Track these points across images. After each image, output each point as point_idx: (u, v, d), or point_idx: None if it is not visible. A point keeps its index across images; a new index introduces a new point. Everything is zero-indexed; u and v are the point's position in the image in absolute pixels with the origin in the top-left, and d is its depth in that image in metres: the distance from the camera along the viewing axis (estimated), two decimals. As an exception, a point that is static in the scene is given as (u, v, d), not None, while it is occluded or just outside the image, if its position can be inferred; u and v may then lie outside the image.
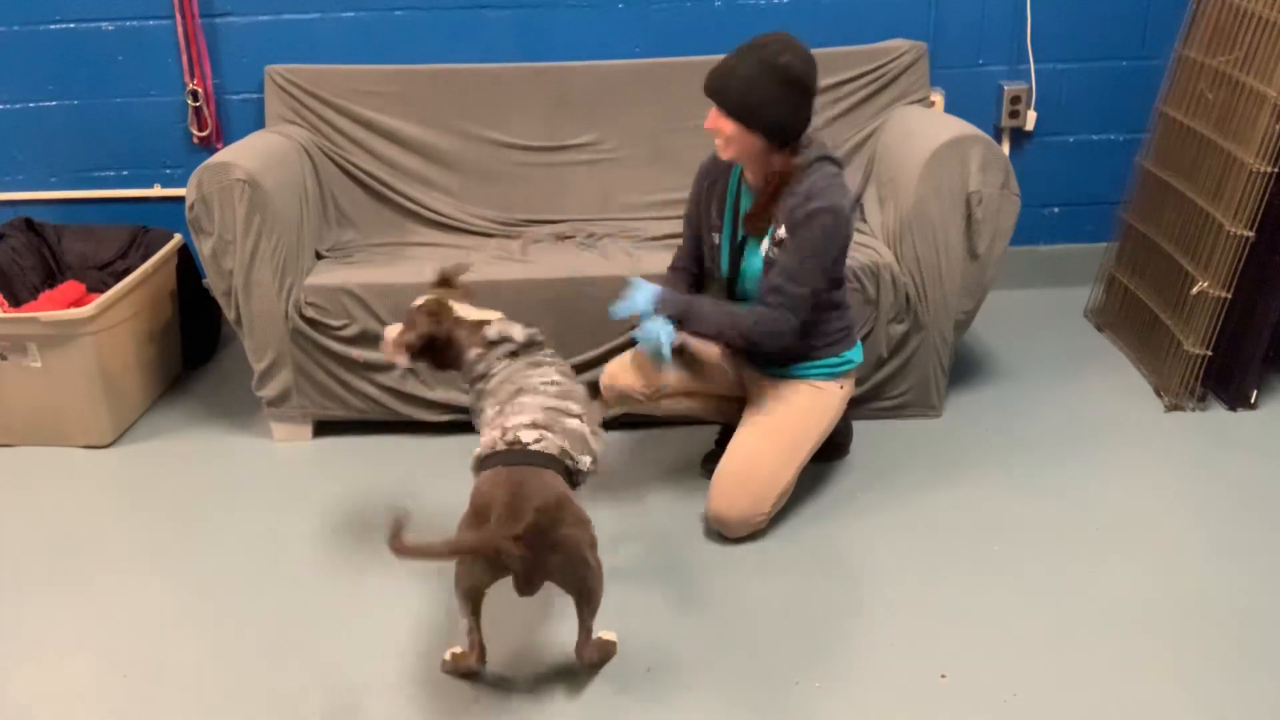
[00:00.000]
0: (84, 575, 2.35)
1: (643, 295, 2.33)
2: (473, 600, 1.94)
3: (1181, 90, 3.04)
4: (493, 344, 2.16)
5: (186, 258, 3.17)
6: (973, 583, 2.23)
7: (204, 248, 2.68)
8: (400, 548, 1.77)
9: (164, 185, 3.38)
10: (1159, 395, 2.92)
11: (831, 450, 2.61)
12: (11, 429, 2.86)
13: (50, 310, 2.77)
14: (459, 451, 2.76)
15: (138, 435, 2.92)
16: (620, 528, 2.45)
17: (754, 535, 2.39)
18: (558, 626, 2.13)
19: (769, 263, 2.31)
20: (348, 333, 2.73)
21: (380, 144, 3.12)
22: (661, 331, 2.29)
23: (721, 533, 2.38)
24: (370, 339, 2.74)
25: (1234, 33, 2.82)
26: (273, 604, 2.24)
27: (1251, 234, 2.69)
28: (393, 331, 2.20)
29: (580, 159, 3.15)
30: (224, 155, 2.66)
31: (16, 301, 2.96)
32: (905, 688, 1.96)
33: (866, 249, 2.74)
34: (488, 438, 1.98)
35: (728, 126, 2.23)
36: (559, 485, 1.90)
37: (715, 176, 2.43)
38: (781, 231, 2.28)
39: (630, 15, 3.23)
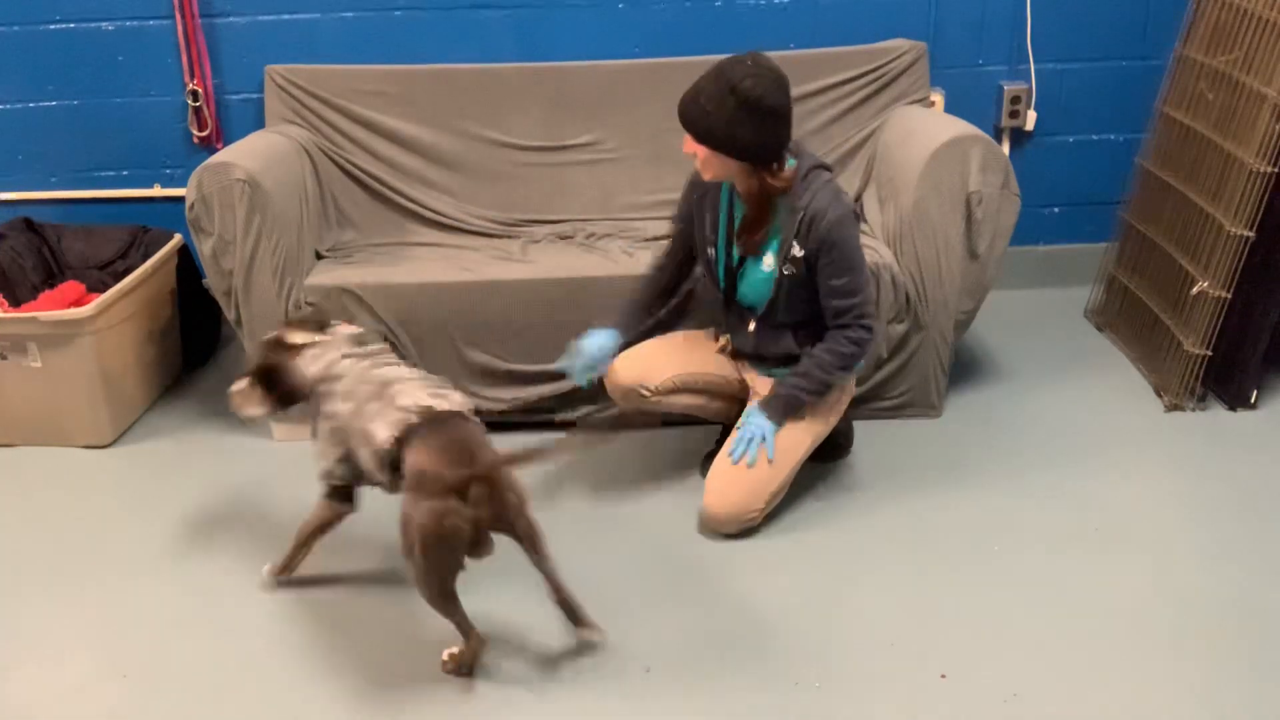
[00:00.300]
0: (84, 575, 2.35)
1: (591, 345, 2.44)
2: (453, 590, 1.94)
3: (1181, 90, 3.04)
4: (326, 348, 2.14)
5: (186, 258, 3.17)
6: (973, 583, 2.23)
7: (204, 248, 2.68)
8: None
9: (164, 185, 3.38)
10: (1159, 395, 2.92)
11: (831, 450, 2.61)
12: (11, 429, 2.86)
13: (50, 310, 2.77)
14: (459, 451, 2.78)
15: (138, 435, 2.92)
16: (620, 527, 2.45)
17: (749, 532, 2.39)
18: (559, 626, 2.14)
19: (783, 280, 2.32)
20: (348, 333, 2.73)
21: (380, 144, 3.12)
22: (765, 430, 2.36)
23: (713, 529, 2.38)
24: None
25: (1234, 33, 2.82)
26: (273, 604, 2.24)
27: (1251, 234, 2.69)
28: (237, 385, 2.21)
29: (580, 159, 3.15)
30: (224, 155, 2.66)
31: (16, 301, 2.96)
32: (905, 688, 1.96)
33: (867, 249, 2.72)
34: (387, 421, 1.95)
35: (702, 151, 2.24)
36: (482, 435, 1.96)
37: (705, 189, 2.42)
38: (795, 249, 2.28)
39: (630, 15, 3.23)
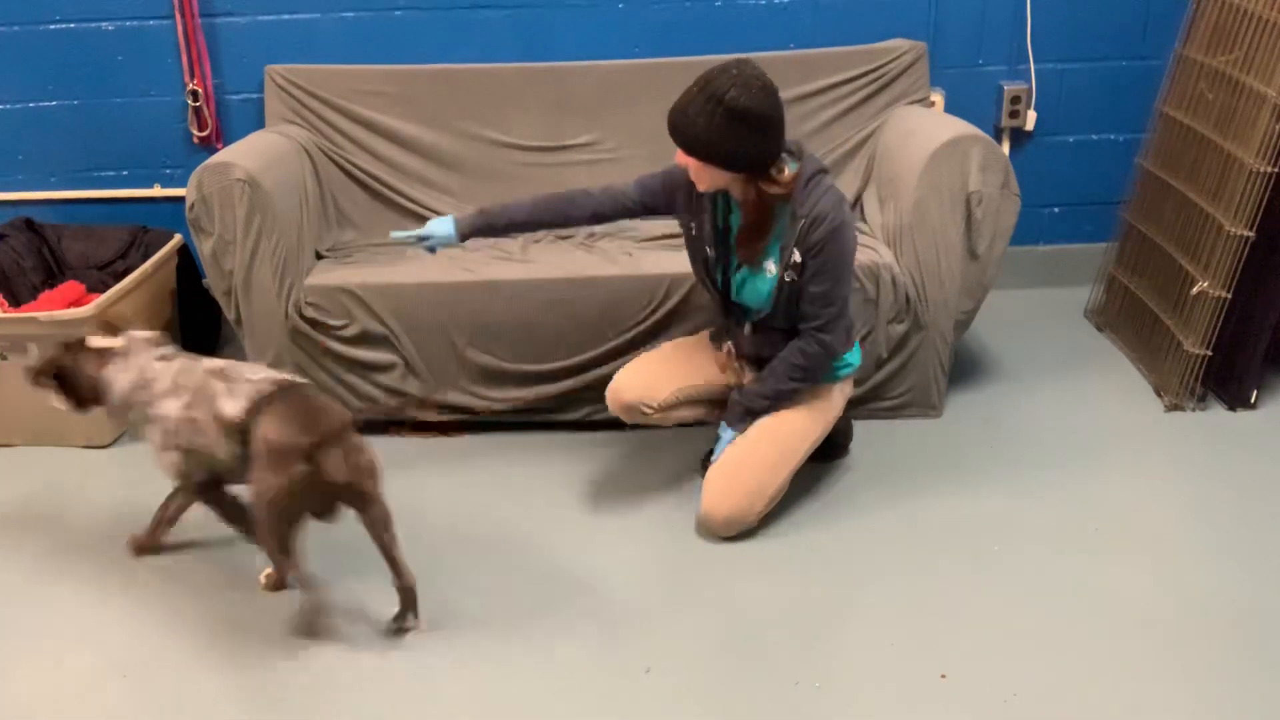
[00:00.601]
0: (84, 575, 2.35)
1: (440, 228, 2.45)
2: (293, 547, 2.03)
3: (1181, 90, 3.04)
4: (129, 355, 2.23)
5: (186, 258, 3.17)
6: (973, 582, 2.23)
7: (204, 248, 2.68)
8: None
9: (164, 185, 3.38)
10: (1159, 395, 2.92)
11: (831, 450, 2.61)
12: (11, 429, 2.86)
13: (50, 310, 2.77)
14: (459, 451, 2.78)
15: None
16: (619, 528, 2.45)
17: (747, 533, 2.39)
18: (563, 624, 2.14)
19: (784, 286, 2.29)
20: (348, 333, 2.73)
21: (380, 144, 3.12)
22: (727, 438, 2.42)
23: (710, 533, 2.38)
24: (370, 339, 2.74)
25: (1234, 33, 2.82)
26: (273, 603, 2.24)
27: (1251, 234, 2.69)
28: (29, 359, 2.29)
29: (580, 159, 3.15)
30: (224, 155, 2.66)
31: (16, 301, 2.96)
32: (905, 688, 1.96)
33: (866, 249, 2.73)
34: (238, 395, 2.04)
35: (694, 163, 2.22)
36: (326, 400, 2.04)
37: (685, 183, 2.35)
38: (796, 256, 2.25)
39: (630, 15, 3.23)
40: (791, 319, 2.35)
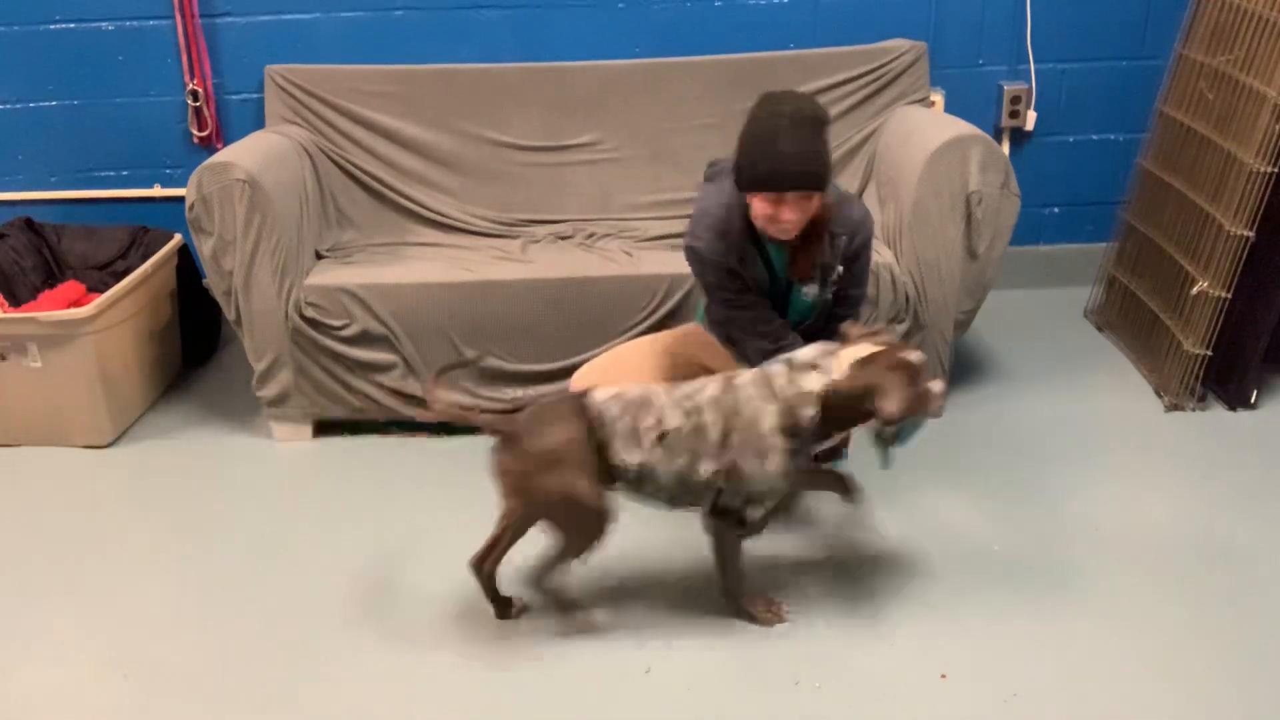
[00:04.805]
0: (84, 575, 2.35)
1: None
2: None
3: (1181, 90, 3.04)
4: None
5: (186, 258, 3.17)
6: (973, 582, 2.23)
7: (204, 248, 2.68)
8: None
9: (164, 185, 3.38)
10: (1159, 395, 2.92)
11: (829, 451, 2.61)
12: (11, 429, 2.86)
13: (50, 310, 2.77)
14: (459, 451, 2.78)
15: (138, 435, 2.92)
16: (619, 528, 2.45)
17: (745, 534, 2.38)
18: (563, 625, 2.14)
19: (823, 302, 2.26)
20: (348, 333, 2.73)
21: (380, 144, 3.12)
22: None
23: None
24: (370, 339, 2.74)
25: (1234, 33, 2.82)
26: (273, 604, 2.24)
27: (1251, 234, 2.69)
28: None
29: (580, 159, 3.15)
30: (224, 155, 2.66)
31: (16, 301, 2.96)
32: (905, 688, 1.96)
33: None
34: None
35: (799, 206, 2.04)
36: (577, 431, 1.96)
37: (738, 252, 2.17)
38: (839, 269, 2.21)
39: (630, 15, 3.23)
40: (821, 327, 2.32)
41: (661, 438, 1.96)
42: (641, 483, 2.00)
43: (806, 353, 2.02)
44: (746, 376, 2.01)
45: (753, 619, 2.12)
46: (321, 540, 2.45)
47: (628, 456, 1.96)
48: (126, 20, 3.21)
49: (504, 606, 2.15)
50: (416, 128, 3.12)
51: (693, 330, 2.53)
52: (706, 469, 1.97)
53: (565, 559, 2.04)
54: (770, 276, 2.23)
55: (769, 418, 1.95)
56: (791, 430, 1.96)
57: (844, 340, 2.03)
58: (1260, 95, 2.65)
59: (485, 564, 2.10)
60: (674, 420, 1.97)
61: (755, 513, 2.07)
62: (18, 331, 2.73)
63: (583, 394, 2.02)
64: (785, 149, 1.99)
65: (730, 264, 2.15)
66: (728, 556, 2.11)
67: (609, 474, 1.99)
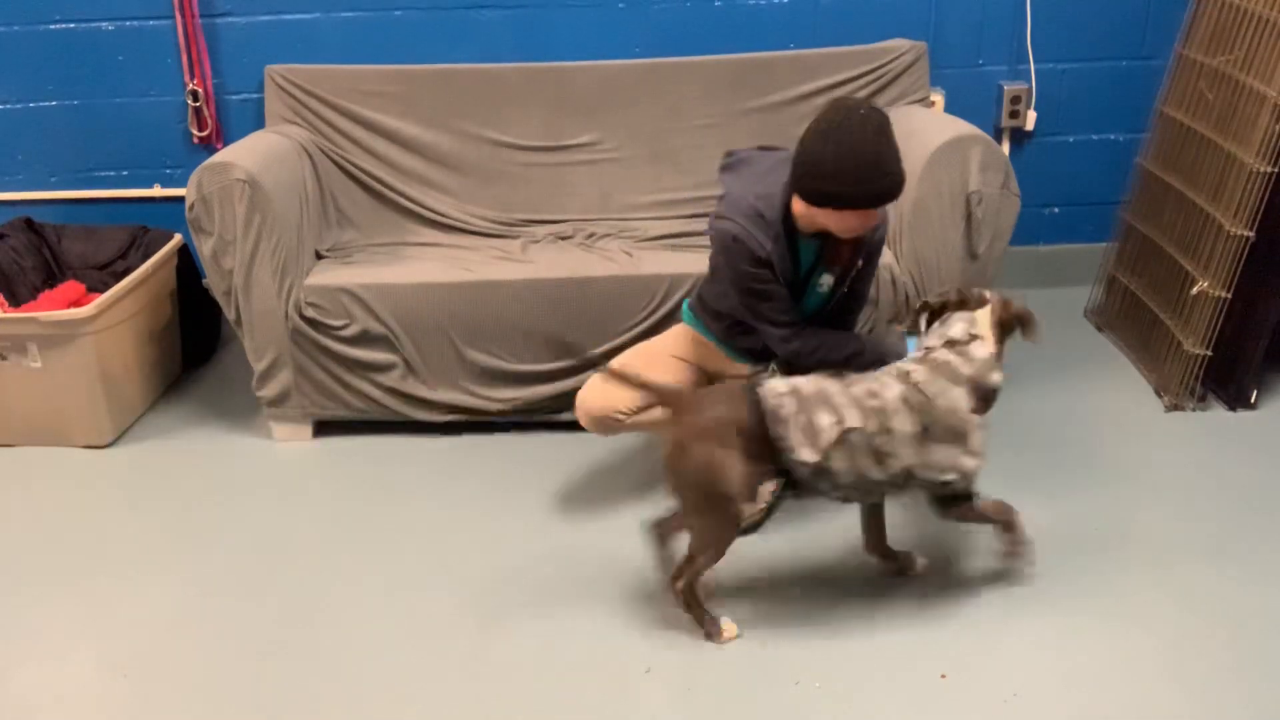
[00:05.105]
0: (84, 575, 2.35)
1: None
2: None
3: (1181, 90, 3.04)
4: None
5: (186, 258, 3.17)
6: (972, 582, 2.23)
7: (204, 248, 2.68)
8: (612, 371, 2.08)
9: (164, 185, 3.38)
10: (1159, 395, 2.92)
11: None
12: (11, 429, 2.86)
13: (50, 310, 2.77)
14: (459, 451, 2.78)
15: (138, 435, 2.92)
16: (618, 528, 2.45)
17: (744, 534, 2.38)
18: (563, 624, 2.14)
19: (836, 294, 2.29)
20: (348, 333, 2.73)
21: (380, 144, 3.12)
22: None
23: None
24: (370, 339, 2.74)
25: (1234, 33, 2.82)
26: (273, 604, 2.24)
27: (1251, 234, 2.69)
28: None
29: (580, 159, 3.15)
30: (224, 155, 2.66)
31: (16, 301, 2.96)
32: (905, 688, 1.96)
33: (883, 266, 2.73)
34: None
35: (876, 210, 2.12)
36: (742, 415, 1.96)
37: (767, 259, 2.19)
38: (859, 262, 2.26)
39: (630, 15, 3.23)
40: (828, 319, 2.36)
41: (842, 437, 1.96)
42: (816, 480, 2.01)
43: (954, 330, 2.07)
44: (919, 370, 2.03)
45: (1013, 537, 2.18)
46: (321, 540, 2.45)
47: (804, 454, 1.96)
48: (126, 20, 3.21)
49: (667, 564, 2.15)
50: (416, 128, 3.12)
51: (681, 331, 2.53)
52: (897, 466, 1.99)
53: (696, 556, 2.03)
54: (795, 269, 2.25)
55: (962, 400, 2.01)
56: (984, 401, 2.04)
57: (946, 310, 2.12)
58: (1260, 95, 2.65)
59: (662, 529, 2.14)
60: (854, 420, 1.97)
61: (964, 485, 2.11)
62: (18, 331, 2.73)
63: (756, 383, 2.03)
64: (891, 168, 2.03)
65: (765, 253, 2.17)
66: (985, 519, 2.17)
67: (779, 471, 2.01)
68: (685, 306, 2.57)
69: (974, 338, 2.05)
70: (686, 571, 2.05)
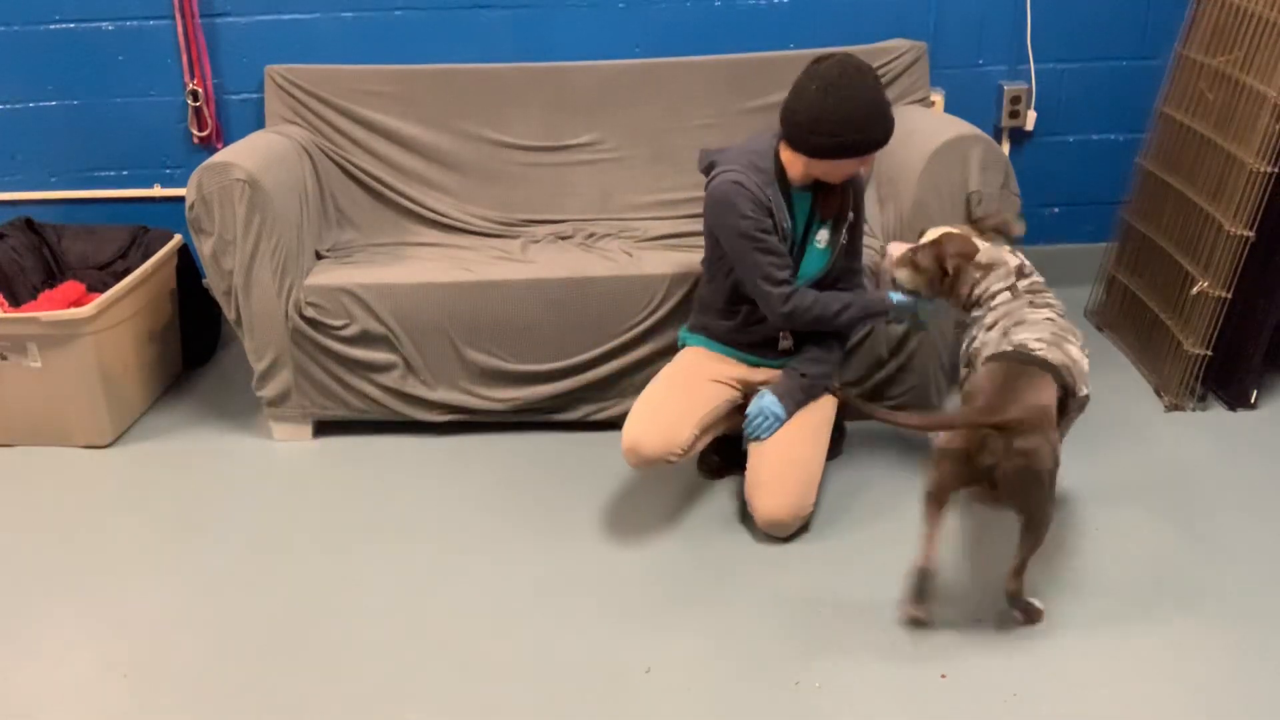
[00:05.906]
0: (84, 575, 2.35)
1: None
2: (936, 503, 2.03)
3: (1181, 90, 3.04)
4: (989, 277, 2.29)
5: (186, 258, 3.17)
6: (972, 582, 2.23)
7: (204, 248, 2.68)
8: (878, 414, 2.06)
9: (164, 185, 3.38)
10: (1159, 395, 2.92)
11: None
12: (11, 429, 2.86)
13: (50, 310, 2.77)
14: (459, 451, 2.78)
15: (138, 435, 2.92)
16: (618, 528, 2.45)
17: (744, 534, 2.39)
18: (563, 624, 2.14)
19: (834, 249, 2.42)
20: (348, 333, 2.73)
21: (380, 144, 3.12)
22: (776, 413, 2.39)
23: (775, 533, 2.36)
24: (370, 339, 2.74)
25: (1234, 33, 2.82)
26: (273, 604, 2.24)
27: (1251, 234, 2.69)
28: (898, 249, 2.39)
29: (580, 159, 3.15)
30: (224, 155, 2.66)
31: (16, 301, 2.96)
32: (905, 688, 1.96)
33: (867, 249, 2.73)
34: (990, 338, 2.15)
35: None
36: (1048, 396, 1.98)
37: (767, 205, 2.30)
38: (850, 215, 2.40)
39: (630, 15, 3.24)
40: (832, 281, 2.48)
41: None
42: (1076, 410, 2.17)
43: (998, 276, 2.29)
44: (1039, 298, 2.24)
45: None
46: (321, 540, 2.45)
47: (1084, 389, 2.10)
48: (126, 20, 3.21)
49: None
50: (416, 128, 3.12)
51: (691, 353, 2.55)
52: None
53: (1036, 542, 2.04)
54: (792, 223, 2.36)
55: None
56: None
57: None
58: (1260, 95, 2.65)
59: (929, 559, 2.07)
60: (1076, 339, 2.17)
61: None
62: (18, 331, 2.73)
63: (1044, 360, 2.05)
64: (889, 112, 2.23)
65: (767, 200, 2.29)
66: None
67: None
68: (683, 331, 2.59)
69: (996, 266, 2.28)
70: (1028, 559, 2.05)
